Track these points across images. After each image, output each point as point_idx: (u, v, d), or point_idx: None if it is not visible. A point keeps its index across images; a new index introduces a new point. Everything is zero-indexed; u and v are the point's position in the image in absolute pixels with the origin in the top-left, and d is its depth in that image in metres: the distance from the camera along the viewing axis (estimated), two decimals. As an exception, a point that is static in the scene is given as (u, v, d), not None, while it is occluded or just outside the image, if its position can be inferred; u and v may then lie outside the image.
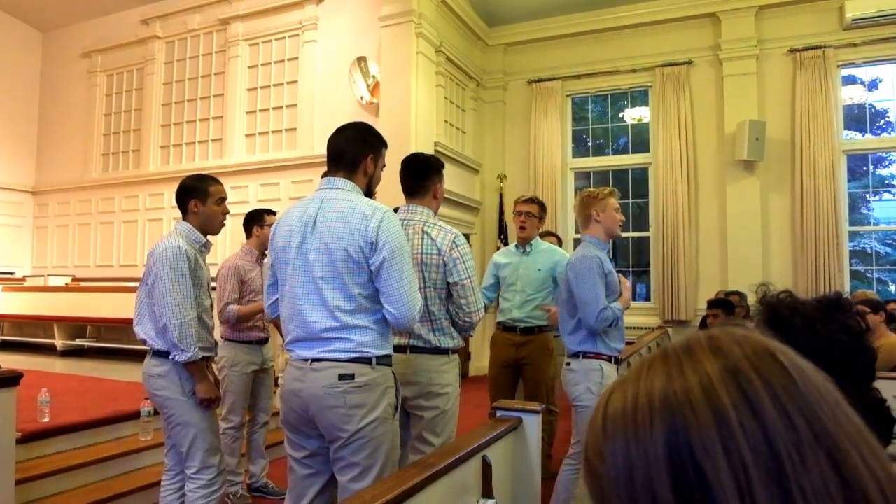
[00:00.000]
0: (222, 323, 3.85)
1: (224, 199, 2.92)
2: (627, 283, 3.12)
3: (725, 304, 5.38)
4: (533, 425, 2.30)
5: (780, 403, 0.45)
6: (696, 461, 0.44)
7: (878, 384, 1.21)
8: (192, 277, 2.69)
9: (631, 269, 8.84)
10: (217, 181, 2.93)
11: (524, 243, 4.08)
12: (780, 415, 0.44)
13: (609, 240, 3.12)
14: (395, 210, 2.91)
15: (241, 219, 4.20)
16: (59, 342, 7.96)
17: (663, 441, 0.45)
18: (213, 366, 3.11)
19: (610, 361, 3.01)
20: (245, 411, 3.92)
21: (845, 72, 7.85)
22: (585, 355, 3.01)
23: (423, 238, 2.60)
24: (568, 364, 3.10)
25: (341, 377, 2.03)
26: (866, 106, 7.91)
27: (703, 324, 6.27)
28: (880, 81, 7.87)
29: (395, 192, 2.84)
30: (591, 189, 3.18)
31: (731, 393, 0.46)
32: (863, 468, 0.44)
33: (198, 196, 2.82)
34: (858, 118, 7.94)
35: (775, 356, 0.48)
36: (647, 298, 8.50)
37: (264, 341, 3.97)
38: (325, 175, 2.34)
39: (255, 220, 4.03)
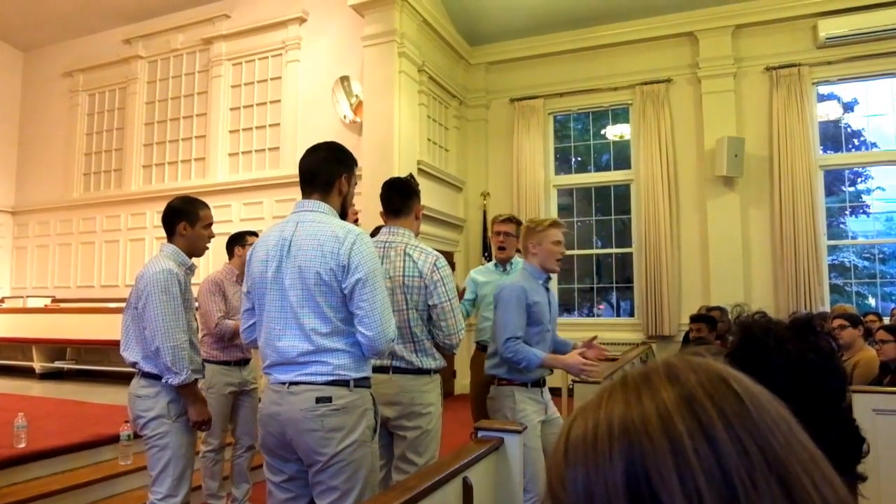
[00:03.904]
0: (216, 339, 3.82)
1: (211, 224, 2.94)
2: (577, 357, 2.94)
3: (708, 320, 5.42)
4: (514, 445, 2.29)
5: (734, 430, 0.46)
6: (652, 489, 0.45)
7: (856, 398, 1.22)
8: (182, 300, 2.70)
9: (615, 285, 8.89)
10: (206, 206, 2.95)
11: (504, 263, 4.09)
12: (733, 442, 0.45)
13: (545, 272, 3.10)
14: (377, 230, 2.93)
15: (223, 240, 4.21)
16: (38, 364, 7.84)
17: (622, 469, 0.46)
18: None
19: (526, 386, 2.98)
20: (224, 433, 3.88)
21: (821, 89, 8.00)
22: (499, 381, 3.02)
23: (405, 260, 2.62)
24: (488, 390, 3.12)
25: (319, 400, 2.02)
26: (841, 123, 8.06)
27: (687, 339, 6.31)
28: (856, 104, 8.03)
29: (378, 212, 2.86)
30: (534, 219, 3.18)
31: (686, 420, 0.46)
32: (814, 494, 0.45)
33: (187, 219, 2.82)
34: (834, 135, 8.08)
35: (729, 383, 0.49)
36: (631, 314, 8.54)
37: (244, 362, 3.94)
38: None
39: (237, 240, 4.09)
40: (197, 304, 4.15)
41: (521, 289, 2.95)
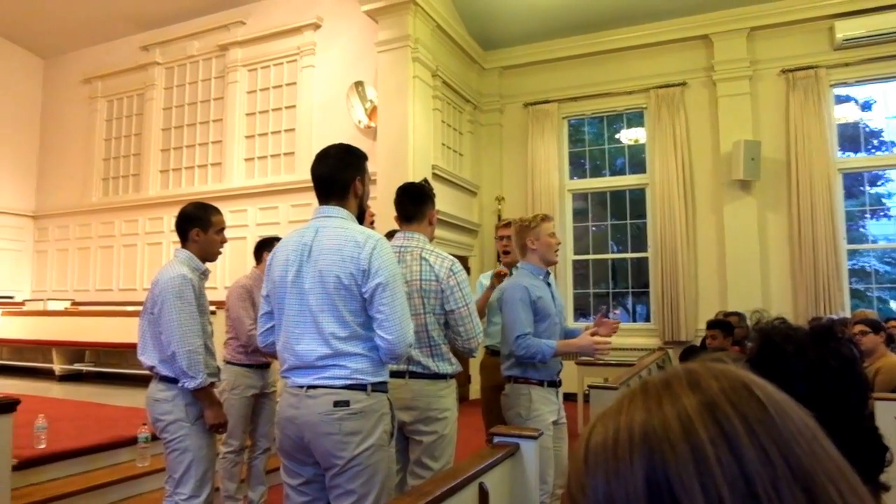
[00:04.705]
0: (246, 345, 3.84)
1: (224, 229, 2.99)
2: (588, 338, 2.96)
3: (724, 325, 5.36)
4: (530, 451, 2.28)
5: (757, 438, 0.45)
6: (674, 496, 0.44)
7: (878, 405, 1.21)
8: (196, 305, 2.75)
9: (630, 290, 8.83)
10: (218, 211, 3.01)
11: (509, 267, 4.10)
12: (756, 450, 0.44)
13: (546, 266, 3.18)
14: (392, 234, 2.95)
15: (239, 244, 4.24)
16: (58, 367, 7.93)
17: (642, 476, 0.46)
18: (215, 390, 3.11)
19: (542, 385, 3.02)
20: (245, 435, 3.91)
21: (838, 91, 7.90)
22: (516, 380, 3.05)
23: (421, 264, 2.63)
24: (503, 388, 3.16)
25: (336, 404, 2.03)
26: (860, 125, 7.96)
27: (703, 345, 6.25)
28: (874, 103, 7.93)
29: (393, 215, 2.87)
30: (524, 217, 3.25)
31: (709, 428, 0.46)
32: (840, 504, 0.44)
33: (200, 225, 2.88)
34: (853, 137, 7.98)
35: (752, 390, 0.48)
36: (647, 319, 8.48)
37: (266, 366, 3.97)
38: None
39: (266, 245, 4.12)
40: (213, 308, 4.20)
41: (522, 287, 3.01)
